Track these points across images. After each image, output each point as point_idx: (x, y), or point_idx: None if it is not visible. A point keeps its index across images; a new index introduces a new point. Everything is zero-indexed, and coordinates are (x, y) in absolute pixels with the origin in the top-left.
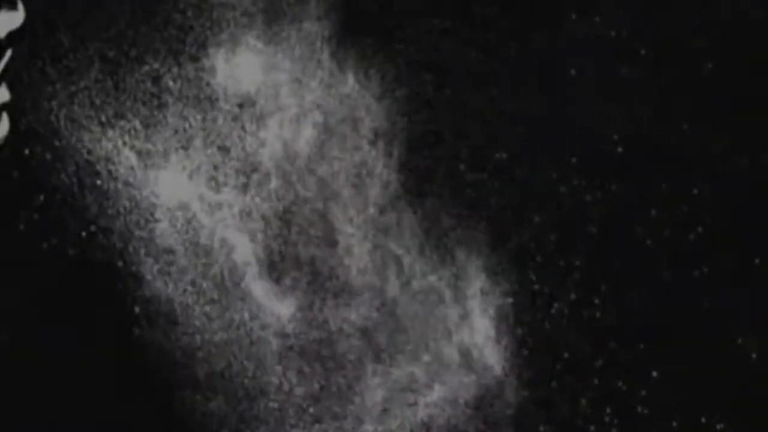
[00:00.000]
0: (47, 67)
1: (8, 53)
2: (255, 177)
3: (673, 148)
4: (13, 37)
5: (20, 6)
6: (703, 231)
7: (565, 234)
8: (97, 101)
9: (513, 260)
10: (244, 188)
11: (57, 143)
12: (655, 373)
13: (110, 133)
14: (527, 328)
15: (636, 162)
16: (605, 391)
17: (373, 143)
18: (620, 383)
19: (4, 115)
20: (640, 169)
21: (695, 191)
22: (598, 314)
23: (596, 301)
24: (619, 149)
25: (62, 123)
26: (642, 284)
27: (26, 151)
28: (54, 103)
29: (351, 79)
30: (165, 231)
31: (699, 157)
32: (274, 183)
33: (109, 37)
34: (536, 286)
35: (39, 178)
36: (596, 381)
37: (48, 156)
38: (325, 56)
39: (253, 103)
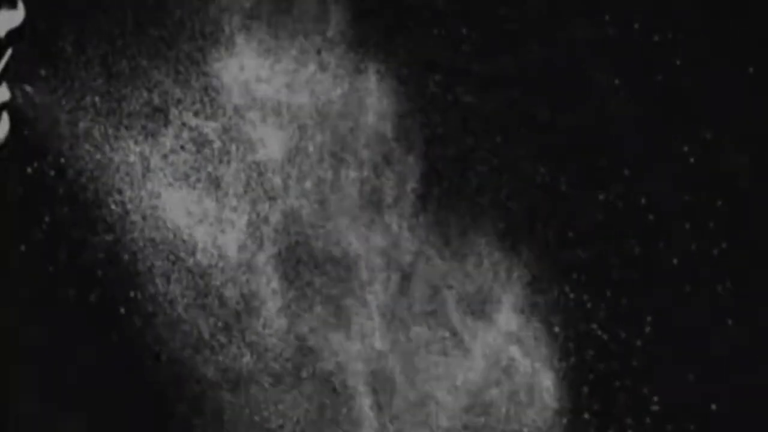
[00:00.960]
0: (51, 79)
1: (8, 52)
2: (261, 183)
3: (698, 161)
4: (12, 35)
5: (20, 5)
6: (727, 246)
7: (585, 247)
8: (102, 110)
9: (533, 273)
10: (251, 195)
11: (61, 159)
12: (685, 391)
13: (113, 144)
14: (553, 342)
15: (658, 172)
16: (638, 407)
17: (380, 146)
18: (654, 404)
19: (5, 115)
20: (662, 180)
21: (719, 203)
22: (622, 333)
23: (621, 316)
24: (640, 158)
25: (65, 136)
26: (668, 300)
27: (29, 169)
28: (57, 115)
29: (357, 81)
30: (171, 243)
31: (723, 169)
32: (279, 188)
33: (112, 47)
34: (557, 296)
35: (41, 195)
36: (623, 398)
37: (52, 172)
38: (332, 59)
39: (257, 108)
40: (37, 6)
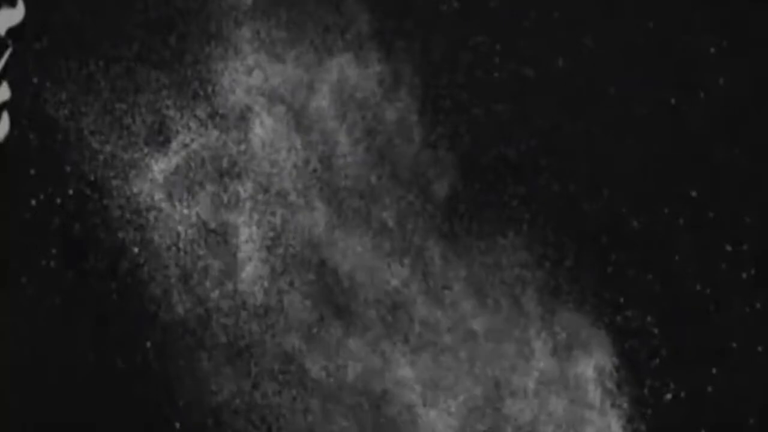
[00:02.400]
0: (55, 90)
1: (8, 51)
2: (270, 192)
3: (727, 178)
4: (13, 34)
5: (20, 3)
6: (756, 272)
7: (604, 264)
8: (106, 119)
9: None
10: (260, 203)
11: (68, 186)
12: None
13: (115, 153)
14: (572, 357)
15: (679, 189)
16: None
17: (388, 149)
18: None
19: (5, 114)
20: (687, 198)
21: (747, 219)
22: (656, 359)
23: (653, 336)
24: (666, 175)
25: (65, 144)
26: (694, 320)
27: (33, 201)
28: (60, 124)
29: (365, 84)
30: (180, 258)
31: (748, 185)
32: (289, 196)
33: (117, 58)
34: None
35: (47, 222)
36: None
37: (59, 199)
38: (339, 63)
39: (263, 114)
40: (38, 17)
